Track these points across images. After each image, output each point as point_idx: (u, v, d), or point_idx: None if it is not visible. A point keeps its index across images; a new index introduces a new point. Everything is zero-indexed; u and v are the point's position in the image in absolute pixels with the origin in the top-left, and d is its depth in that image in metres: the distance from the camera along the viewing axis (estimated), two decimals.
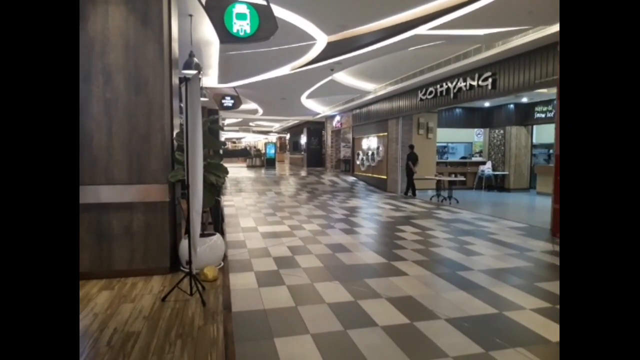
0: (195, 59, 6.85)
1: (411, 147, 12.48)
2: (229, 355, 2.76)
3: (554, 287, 4.21)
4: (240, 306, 3.64)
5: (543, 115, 13.08)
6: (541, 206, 10.01)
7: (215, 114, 16.02)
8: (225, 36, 4.78)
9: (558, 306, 3.69)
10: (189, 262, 3.73)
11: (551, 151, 13.73)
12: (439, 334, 3.13)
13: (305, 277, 4.50)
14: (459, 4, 5.88)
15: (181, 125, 5.13)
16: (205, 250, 4.43)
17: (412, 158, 12.19)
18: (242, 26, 4.78)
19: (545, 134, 13.76)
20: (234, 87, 12.92)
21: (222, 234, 5.84)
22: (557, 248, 5.85)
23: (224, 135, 33.12)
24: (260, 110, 19.95)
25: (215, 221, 5.65)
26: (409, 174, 12.38)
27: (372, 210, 9.68)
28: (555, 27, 6.44)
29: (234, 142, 46.60)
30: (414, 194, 12.48)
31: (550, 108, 12.60)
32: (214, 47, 8.17)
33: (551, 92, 10.57)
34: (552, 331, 3.18)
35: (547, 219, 7.03)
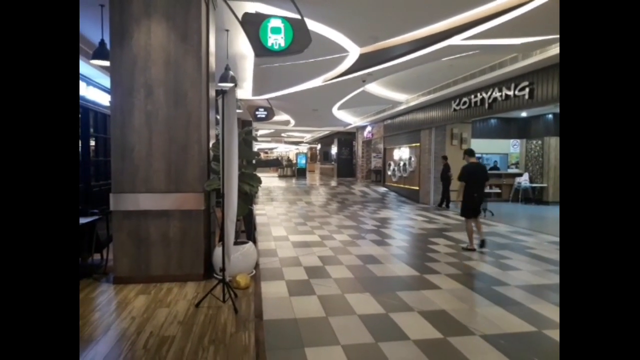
0: (231, 72, 7.06)
1: (444, 157, 12.27)
2: None
3: None
4: (271, 314, 3.67)
5: None
6: None
7: (249, 125, 16.36)
8: (260, 50, 4.90)
9: None
10: (222, 269, 3.81)
11: None
12: (473, 350, 3.04)
13: (335, 288, 4.49)
14: (494, 13, 5.79)
15: (217, 136, 5.29)
16: (238, 258, 4.51)
17: (447, 169, 12.00)
18: (276, 40, 4.89)
19: None
20: (267, 99, 13.19)
21: (254, 242, 5.93)
22: None
23: (256, 146, 33.74)
24: (292, 122, 20.22)
25: (248, 230, 5.75)
26: (446, 184, 12.15)
27: (403, 222, 9.55)
28: None
29: (266, 153, 47.35)
30: (447, 206, 12.23)
31: None
32: (248, 60, 8.40)
33: None
34: None
35: None
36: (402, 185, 15.91)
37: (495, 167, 15.33)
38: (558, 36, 6.73)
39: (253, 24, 4.72)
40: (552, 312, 3.83)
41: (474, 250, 6.41)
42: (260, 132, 27.70)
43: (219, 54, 6.61)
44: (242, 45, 7.24)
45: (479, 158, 15.47)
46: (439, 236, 7.65)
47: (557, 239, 7.35)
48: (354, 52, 7.73)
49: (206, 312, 3.57)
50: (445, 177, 12.16)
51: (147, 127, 4.38)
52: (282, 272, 5.08)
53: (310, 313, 3.75)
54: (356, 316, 3.68)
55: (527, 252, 6.36)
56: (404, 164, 15.69)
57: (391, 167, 17.14)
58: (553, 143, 13.38)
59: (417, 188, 14.42)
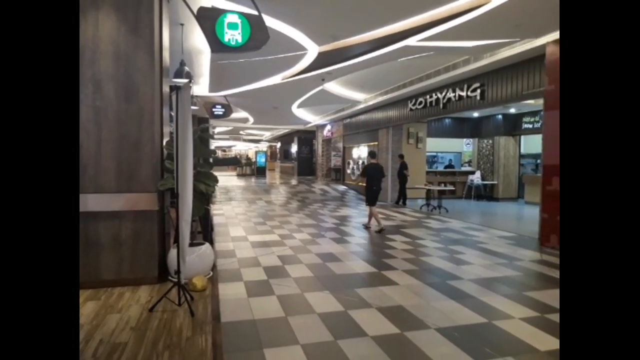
0: (186, 68, 6.84)
1: (401, 156, 12.57)
2: None
3: (543, 296, 4.25)
4: (229, 316, 3.60)
5: (530, 126, 13.30)
6: (529, 215, 10.12)
7: (205, 122, 15.98)
8: (217, 45, 4.78)
9: (546, 315, 3.72)
10: (178, 272, 3.69)
11: (538, 161, 13.91)
12: (429, 343, 3.13)
13: (295, 287, 4.47)
14: (448, 16, 5.98)
15: (171, 133, 5.11)
16: (194, 260, 4.38)
17: (403, 167, 12.29)
18: (233, 35, 4.79)
19: (533, 144, 13.96)
20: (225, 96, 12.92)
21: (212, 243, 5.79)
22: (545, 257, 5.91)
23: (214, 144, 33.00)
24: (251, 119, 19.95)
25: (204, 230, 5.60)
26: (402, 182, 12.45)
27: (362, 219, 9.68)
28: (542, 40, 6.58)
29: (224, 151, 46.42)
30: (404, 203, 12.54)
31: (537, 119, 12.81)
32: (205, 56, 8.18)
33: (538, 103, 10.74)
34: (540, 340, 3.20)
35: (535, 228, 7.11)
36: (360, 184, 16.14)
37: (450, 166, 15.92)
38: (507, 40, 7.07)
39: (209, 19, 4.60)
40: (501, 303, 4.02)
41: (383, 229, 7.93)
42: (217, 130, 27.10)
43: (174, 48, 6.39)
44: (198, 40, 7.03)
45: (434, 156, 16.12)
46: (396, 233, 7.82)
47: (507, 234, 7.74)
48: (312, 50, 7.73)
49: (160, 317, 3.44)
50: (401, 175, 12.45)
51: (95, 123, 4.15)
52: (241, 273, 4.99)
53: (269, 313, 3.71)
54: (315, 315, 3.68)
55: (479, 246, 6.64)
56: (363, 162, 15.93)
57: (350, 166, 17.35)
58: (502, 142, 14.07)
59: None
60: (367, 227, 8.40)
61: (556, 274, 5.07)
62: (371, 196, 8.30)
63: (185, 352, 2.85)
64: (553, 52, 6.43)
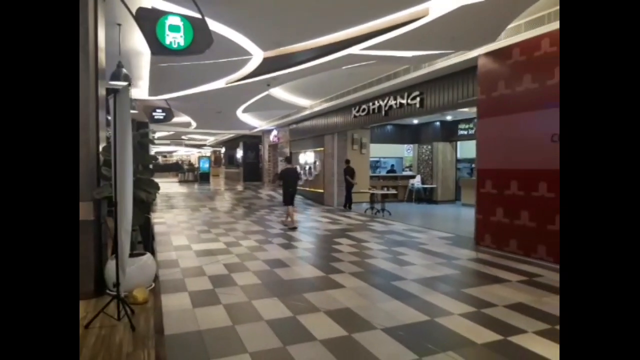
0: (124, 70, 6.53)
1: (347, 161, 12.82)
2: None
3: (479, 292, 4.53)
4: (173, 329, 3.46)
5: (465, 132, 14.14)
6: (466, 217, 10.74)
7: (145, 127, 15.25)
8: (157, 48, 4.61)
9: (483, 310, 3.97)
10: (117, 284, 3.49)
11: (473, 165, 14.84)
12: (375, 343, 3.22)
13: (242, 295, 4.40)
14: (389, 27, 6.24)
15: (108, 138, 4.85)
16: (134, 271, 4.16)
17: (349, 172, 12.53)
18: (175, 38, 4.65)
19: (468, 149, 14.85)
20: (166, 100, 12.44)
21: (153, 253, 5.54)
22: (481, 255, 6.31)
23: (154, 149, 31.59)
24: (194, 123, 19.36)
25: (145, 240, 5.35)
26: (348, 187, 12.67)
27: (309, 224, 9.75)
28: (475, 53, 7.05)
29: (165, 157, 44.61)
30: (349, 207, 12.79)
31: (471, 125, 13.66)
32: (144, 58, 7.84)
33: (472, 111, 11.46)
34: (477, 334, 3.41)
35: (471, 228, 7.56)
36: (307, 189, 16.24)
37: (392, 170, 16.50)
38: (443, 51, 7.50)
39: (148, 20, 4.43)
40: (442, 301, 4.23)
41: (296, 228, 8.86)
42: (158, 135, 26.00)
43: (110, 50, 6.06)
44: (137, 41, 6.73)
45: (377, 161, 16.62)
46: (343, 236, 7.96)
47: (445, 235, 8.15)
48: (257, 55, 7.69)
49: (98, 333, 3.24)
50: (347, 180, 12.68)
51: None
52: (185, 283, 4.82)
53: (216, 323, 3.62)
54: (264, 322, 3.65)
55: (420, 247, 6.94)
56: (310, 168, 16.05)
57: (298, 171, 17.39)
58: (440, 147, 14.84)
59: (321, 191, 14.85)
60: (285, 224, 9.26)
61: (490, 271, 5.43)
62: (288, 197, 9.22)
63: None
64: (484, 64, 6.91)
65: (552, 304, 4.10)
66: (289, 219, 9.20)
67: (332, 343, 3.23)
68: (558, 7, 5.50)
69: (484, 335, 3.38)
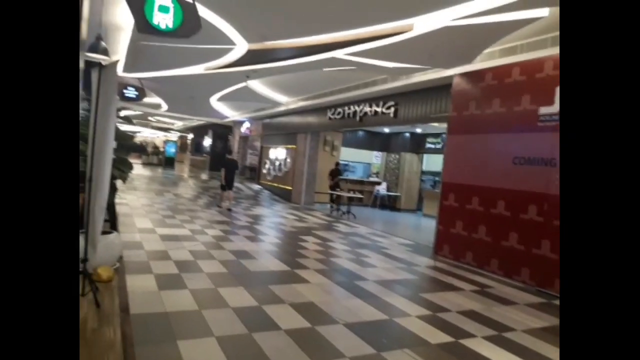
0: (103, 43, 6.34)
1: (337, 164, 13.16)
2: (128, 358, 2.65)
3: (435, 297, 4.79)
4: (139, 308, 3.47)
5: (433, 146, 14.67)
6: (426, 226, 11.15)
7: None
8: (144, 27, 4.55)
9: (438, 314, 4.22)
10: (84, 260, 3.45)
11: (437, 178, 15.40)
12: (337, 337, 3.38)
13: (209, 282, 4.44)
14: (374, 36, 6.44)
15: (82, 111, 4.74)
16: (100, 249, 4.09)
17: (335, 174, 12.85)
18: (163, 19, 4.60)
19: (433, 162, 15.40)
20: (140, 79, 12.12)
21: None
22: (438, 264, 6.64)
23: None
24: (165, 106, 18.89)
25: (112, 218, 5.26)
26: (333, 189, 12.81)
27: (276, 220, 9.82)
28: (450, 71, 7.40)
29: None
30: (338, 209, 12.68)
31: (439, 140, 14.19)
32: (124, 33, 7.64)
33: (442, 126, 11.91)
34: (432, 335, 3.65)
35: (431, 238, 7.90)
36: (276, 184, 16.27)
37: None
38: (421, 66, 7.80)
39: None
40: (400, 303, 4.46)
41: (230, 210, 10.45)
42: (123, 113, 25.09)
43: (91, 20, 5.89)
44: (119, 15, 6.57)
45: (345, 165, 16.88)
46: (309, 234, 8.10)
47: (406, 241, 8.47)
48: (241, 46, 7.69)
49: None
50: (335, 182, 12.90)
51: None
52: (150, 266, 4.79)
53: (182, 306, 3.66)
54: (230, 309, 3.72)
55: (382, 251, 7.20)
56: (280, 164, 16.08)
57: (267, 166, 17.37)
58: (408, 158, 15.30)
59: (290, 188, 14.92)
60: (229, 208, 10.65)
61: (447, 279, 5.74)
62: (227, 182, 10.88)
63: (91, 344, 2.71)
64: (459, 83, 7.27)
65: (500, 313, 4.42)
66: (227, 202, 10.84)
67: (296, 333, 3.35)
68: (530, 40, 5.91)
69: (438, 337, 3.62)
